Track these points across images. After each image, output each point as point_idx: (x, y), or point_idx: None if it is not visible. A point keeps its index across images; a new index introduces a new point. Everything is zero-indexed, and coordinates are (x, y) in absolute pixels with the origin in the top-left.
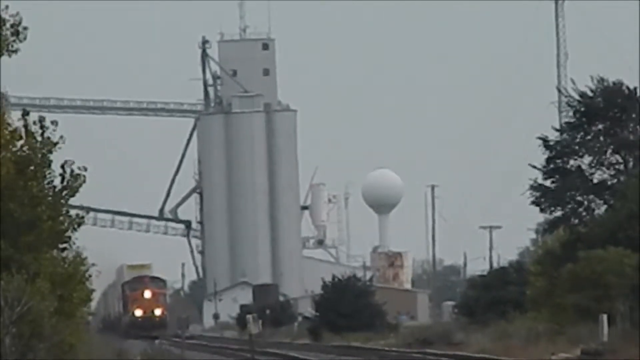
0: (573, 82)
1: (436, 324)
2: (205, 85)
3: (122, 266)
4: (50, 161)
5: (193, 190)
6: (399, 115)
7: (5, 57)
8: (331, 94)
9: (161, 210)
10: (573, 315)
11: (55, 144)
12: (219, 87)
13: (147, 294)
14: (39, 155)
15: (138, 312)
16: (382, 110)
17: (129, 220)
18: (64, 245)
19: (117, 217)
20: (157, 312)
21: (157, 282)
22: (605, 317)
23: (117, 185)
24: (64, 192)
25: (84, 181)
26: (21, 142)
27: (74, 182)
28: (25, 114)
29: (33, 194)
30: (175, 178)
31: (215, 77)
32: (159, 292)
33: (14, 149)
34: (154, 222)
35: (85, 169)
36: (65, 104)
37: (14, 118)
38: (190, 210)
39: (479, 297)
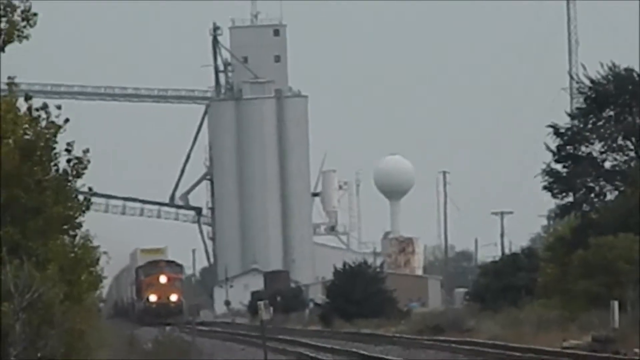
0: (584, 67)
1: (447, 311)
2: (216, 71)
3: (136, 250)
4: (56, 144)
5: (204, 177)
6: (411, 101)
7: (16, 43)
8: (342, 80)
9: (172, 197)
10: (584, 301)
11: (59, 127)
12: (230, 74)
13: (163, 278)
14: (44, 140)
15: (153, 298)
16: (393, 97)
17: (140, 207)
18: (75, 232)
19: (129, 204)
20: (173, 297)
21: (173, 266)
22: (616, 303)
23: (128, 172)
24: (70, 175)
25: (89, 162)
26: (25, 126)
27: (79, 164)
28: (28, 98)
29: (39, 179)
30: (186, 164)
31: (226, 64)
32: (175, 277)
33: (20, 135)
34: (165, 208)
35: (88, 151)
36: (76, 90)
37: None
38: (201, 197)
39: (490, 284)
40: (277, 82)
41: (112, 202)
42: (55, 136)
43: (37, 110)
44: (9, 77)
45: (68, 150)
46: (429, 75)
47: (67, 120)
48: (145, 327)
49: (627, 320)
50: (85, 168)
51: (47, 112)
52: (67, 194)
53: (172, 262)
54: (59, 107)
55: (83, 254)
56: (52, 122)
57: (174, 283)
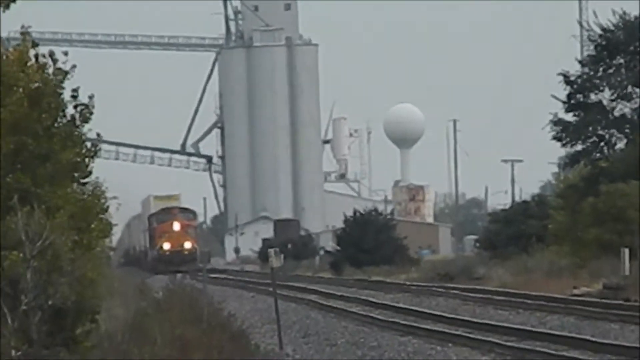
0: (595, 14)
1: (458, 258)
2: (227, 19)
3: (149, 197)
4: (64, 90)
5: (214, 125)
6: (421, 49)
7: None
8: (353, 28)
9: (183, 145)
10: (595, 249)
11: (67, 73)
12: (240, 22)
13: (176, 226)
14: (52, 87)
15: (166, 246)
16: (404, 45)
17: (150, 155)
18: (85, 179)
19: (139, 151)
20: (187, 245)
21: (187, 213)
22: (627, 251)
23: (139, 120)
24: (77, 121)
25: (93, 107)
26: (32, 73)
27: (85, 110)
28: (35, 45)
29: (47, 125)
30: (196, 112)
31: (236, 12)
32: (189, 224)
33: (29, 82)
34: (176, 156)
35: (92, 97)
36: (87, 38)
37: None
38: (211, 145)
39: (501, 231)
40: (288, 30)
41: (123, 149)
42: (62, 82)
43: (43, 56)
44: (22, 27)
45: (74, 97)
46: (439, 23)
47: (74, 66)
48: (158, 275)
49: (637, 268)
50: (92, 114)
51: (53, 59)
52: (75, 140)
53: (186, 209)
54: (65, 54)
55: (93, 201)
56: (59, 69)
57: (187, 230)
